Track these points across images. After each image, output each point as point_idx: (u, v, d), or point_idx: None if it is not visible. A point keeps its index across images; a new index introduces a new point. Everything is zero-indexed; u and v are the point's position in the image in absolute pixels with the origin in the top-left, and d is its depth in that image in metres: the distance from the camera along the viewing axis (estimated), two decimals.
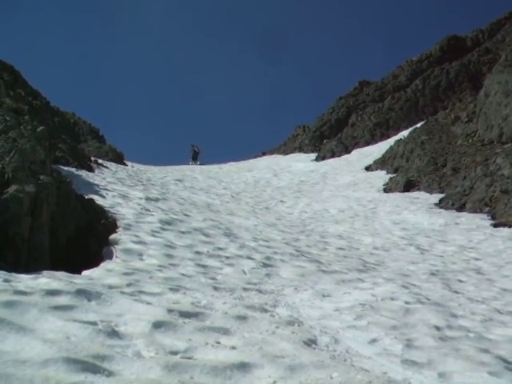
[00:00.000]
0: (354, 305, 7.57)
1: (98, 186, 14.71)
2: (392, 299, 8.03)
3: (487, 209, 20.23)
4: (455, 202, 21.91)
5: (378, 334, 6.36)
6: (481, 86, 36.80)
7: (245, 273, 8.80)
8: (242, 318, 6.03)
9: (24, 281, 5.88)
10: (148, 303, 5.99)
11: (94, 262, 7.73)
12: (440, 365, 5.44)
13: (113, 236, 9.14)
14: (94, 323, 4.93)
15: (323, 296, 8.01)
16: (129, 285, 6.72)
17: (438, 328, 6.78)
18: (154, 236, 9.88)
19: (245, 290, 7.64)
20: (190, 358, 4.60)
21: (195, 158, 45.80)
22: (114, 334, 4.79)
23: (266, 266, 9.44)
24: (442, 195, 23.65)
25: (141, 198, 14.19)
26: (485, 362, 5.58)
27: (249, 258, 9.81)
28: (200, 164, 43.96)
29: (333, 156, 44.41)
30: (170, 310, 5.78)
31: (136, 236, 9.50)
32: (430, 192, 24.79)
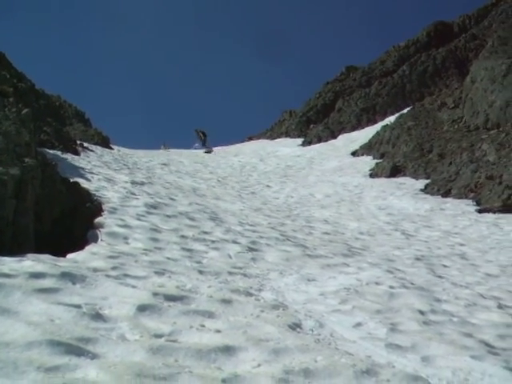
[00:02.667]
0: (339, 289, 7.59)
1: (83, 169, 14.65)
2: (377, 284, 8.06)
3: (472, 194, 20.35)
4: (441, 188, 22.02)
5: (362, 318, 6.38)
6: (467, 72, 36.85)
7: (230, 257, 8.80)
8: (226, 302, 6.03)
9: (8, 263, 5.84)
10: (133, 286, 5.97)
11: (78, 246, 7.69)
12: (424, 349, 5.47)
13: (98, 219, 9.11)
14: (78, 306, 4.91)
15: (308, 280, 8.03)
16: (114, 268, 6.70)
17: (422, 312, 6.81)
18: (139, 220, 9.86)
19: (230, 273, 7.65)
20: (174, 341, 4.59)
21: (204, 142, 40.70)
22: (98, 316, 4.78)
23: (251, 250, 9.45)
24: (427, 181, 23.77)
25: (126, 182, 14.15)
26: (468, 346, 5.62)
27: (234, 242, 9.81)
28: (207, 151, 38.68)
29: (319, 141, 44.48)
30: (154, 294, 5.77)
31: (121, 219, 9.47)
32: (416, 178, 24.89)
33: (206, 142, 41.01)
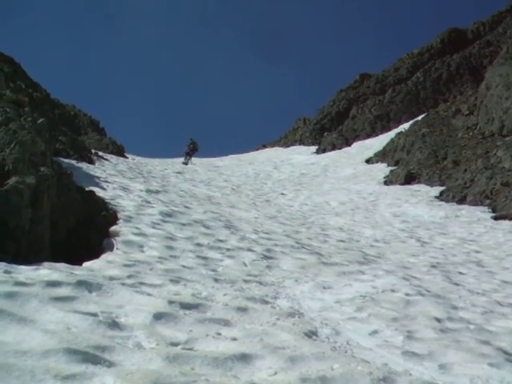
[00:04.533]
0: (355, 297, 7.56)
1: (98, 178, 14.71)
2: (392, 291, 8.02)
3: (488, 201, 20.25)
4: (456, 195, 21.92)
5: (378, 325, 6.35)
6: (482, 78, 36.76)
7: (245, 265, 8.79)
8: (242, 310, 6.02)
9: (24, 272, 5.88)
10: (149, 294, 5.98)
11: (94, 254, 7.72)
12: (441, 356, 5.43)
13: (113, 228, 9.13)
14: (94, 314, 4.92)
15: (324, 288, 8.00)
16: (129, 276, 6.71)
17: (438, 320, 6.78)
18: (154, 228, 9.87)
19: (245, 281, 7.63)
20: (190, 350, 4.59)
21: (191, 154, 35.31)
22: (114, 325, 4.79)
23: (266, 258, 9.43)
24: (442, 188, 23.67)
25: (141, 190, 14.19)
26: (485, 354, 5.58)
27: (249, 250, 9.79)
28: (192, 163, 34.07)
29: (333, 149, 44.47)
30: (170, 302, 5.77)
31: (137, 228, 9.49)
32: (431, 185, 24.80)
33: (193, 154, 35.78)
